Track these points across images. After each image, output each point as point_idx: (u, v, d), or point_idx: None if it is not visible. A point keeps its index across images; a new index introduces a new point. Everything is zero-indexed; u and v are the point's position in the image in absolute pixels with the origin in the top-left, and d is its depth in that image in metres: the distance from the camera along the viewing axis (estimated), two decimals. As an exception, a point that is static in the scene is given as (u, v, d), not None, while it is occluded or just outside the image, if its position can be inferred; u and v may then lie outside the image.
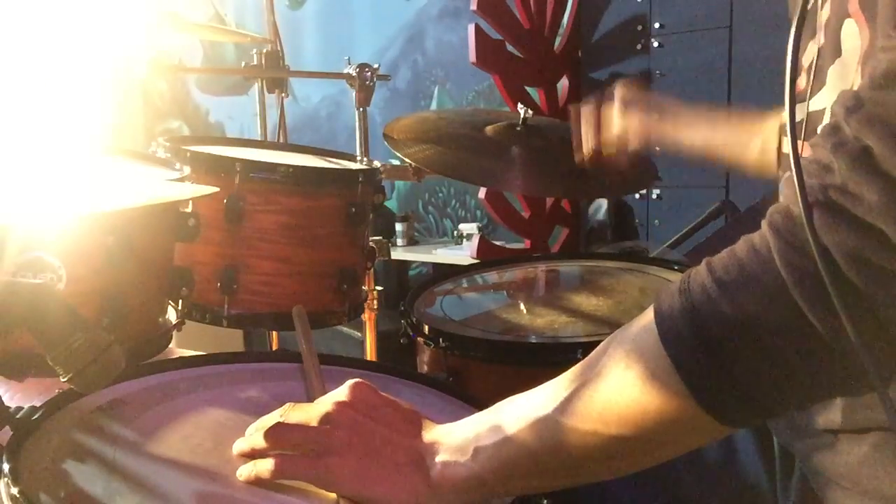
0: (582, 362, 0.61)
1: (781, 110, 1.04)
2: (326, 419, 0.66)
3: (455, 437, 0.64)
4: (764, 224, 0.53)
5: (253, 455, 0.66)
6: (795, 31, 0.56)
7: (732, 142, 1.12)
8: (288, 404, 0.70)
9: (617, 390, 0.57)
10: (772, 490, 0.84)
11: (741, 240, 0.55)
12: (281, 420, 0.68)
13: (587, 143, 1.19)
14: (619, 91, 1.19)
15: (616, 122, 1.17)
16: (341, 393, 0.69)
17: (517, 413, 0.62)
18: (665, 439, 0.57)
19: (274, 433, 0.66)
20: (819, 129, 0.55)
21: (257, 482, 0.65)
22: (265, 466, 0.64)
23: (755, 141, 1.09)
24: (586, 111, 1.19)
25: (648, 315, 0.56)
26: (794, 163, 0.51)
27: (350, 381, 0.70)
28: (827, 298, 0.48)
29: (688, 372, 0.53)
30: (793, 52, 0.56)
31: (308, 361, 0.90)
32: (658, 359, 0.54)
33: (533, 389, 0.64)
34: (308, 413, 0.67)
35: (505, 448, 0.61)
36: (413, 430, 0.67)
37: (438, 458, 0.63)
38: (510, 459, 0.61)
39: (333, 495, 0.64)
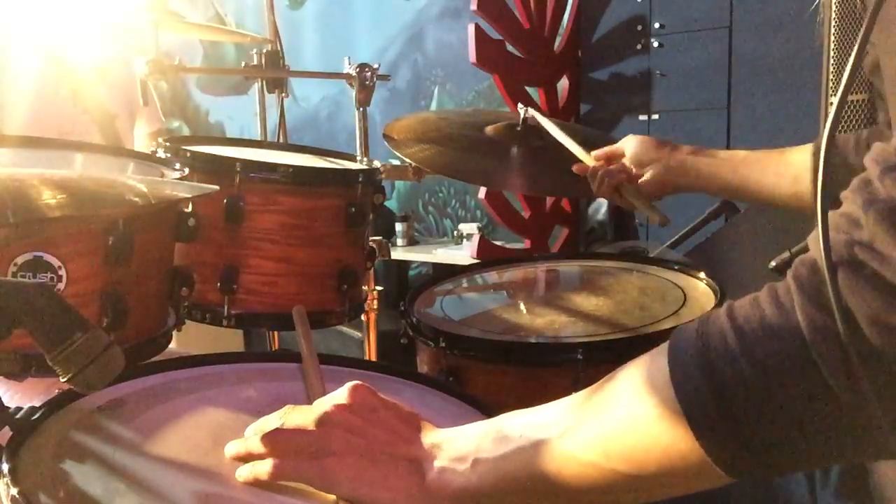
0: (592, 388, 0.60)
1: (801, 143, 1.07)
2: (325, 421, 0.66)
3: (455, 445, 0.64)
4: (789, 275, 0.52)
5: (249, 459, 0.66)
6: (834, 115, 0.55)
7: (757, 180, 1.10)
8: (287, 406, 0.70)
9: (623, 426, 0.55)
10: (809, 479, 0.83)
11: (766, 288, 0.53)
12: (280, 423, 0.68)
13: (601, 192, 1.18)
14: (630, 149, 1.16)
15: (629, 185, 1.15)
16: (340, 395, 0.69)
17: (521, 430, 0.61)
18: (668, 481, 0.56)
19: (272, 438, 0.66)
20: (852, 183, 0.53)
21: (256, 483, 0.65)
22: (264, 468, 0.64)
23: (786, 174, 1.08)
24: (601, 173, 1.16)
25: (662, 352, 0.55)
26: (821, 219, 0.49)
27: (349, 384, 0.70)
28: (847, 360, 0.46)
29: (696, 421, 0.51)
30: (830, 130, 0.55)
31: (308, 361, 0.90)
32: (667, 402, 0.53)
33: (539, 407, 0.63)
34: (306, 416, 0.67)
35: (504, 464, 0.60)
36: (412, 434, 0.67)
37: (437, 464, 0.63)
38: (508, 475, 0.60)
39: (332, 497, 0.64)
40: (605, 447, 0.56)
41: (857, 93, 1.66)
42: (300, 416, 0.67)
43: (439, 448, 0.64)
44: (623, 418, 0.56)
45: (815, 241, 0.50)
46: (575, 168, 1.21)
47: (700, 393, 0.51)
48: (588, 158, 1.18)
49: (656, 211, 1.05)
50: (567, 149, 1.21)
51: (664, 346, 0.55)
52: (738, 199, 1.13)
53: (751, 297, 0.53)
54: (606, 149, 1.17)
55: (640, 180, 1.15)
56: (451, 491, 0.62)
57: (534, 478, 0.59)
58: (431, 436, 0.66)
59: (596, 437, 0.57)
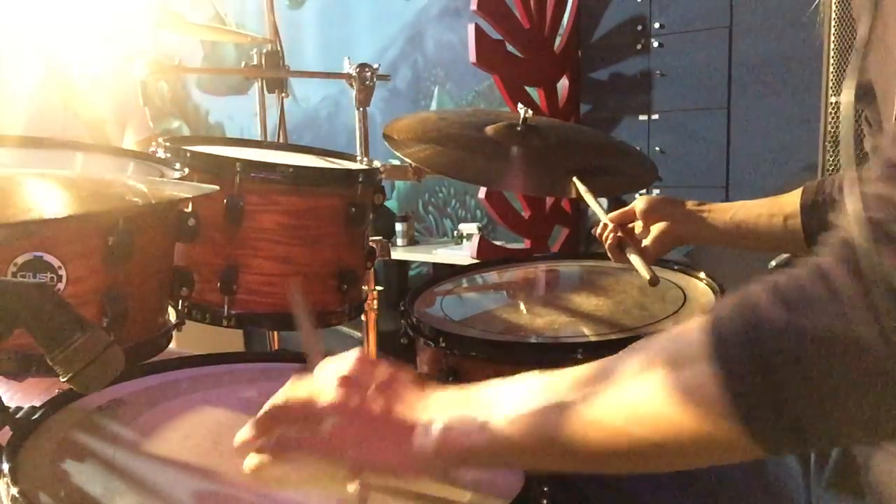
0: (612, 359, 0.60)
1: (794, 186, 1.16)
2: (327, 391, 0.65)
3: (464, 406, 0.64)
4: (828, 249, 0.52)
5: (255, 444, 0.66)
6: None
7: (753, 224, 1.18)
8: (291, 380, 0.69)
9: (655, 396, 0.55)
10: (803, 466, 0.82)
11: (805, 263, 0.53)
12: (284, 400, 0.67)
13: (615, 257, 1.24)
14: (641, 206, 1.23)
15: (639, 239, 1.22)
16: (342, 367, 0.68)
17: (537, 394, 0.61)
18: (696, 451, 0.56)
19: (273, 413, 0.65)
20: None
21: (263, 470, 0.64)
22: (267, 446, 0.64)
23: (779, 214, 1.16)
24: (612, 233, 1.23)
25: (697, 327, 0.55)
26: (856, 191, 0.50)
27: (350, 353, 0.69)
28: (890, 331, 0.47)
29: (737, 395, 0.51)
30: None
31: (308, 336, 0.89)
32: (705, 375, 0.52)
33: (551, 373, 0.62)
34: (308, 388, 0.67)
35: (519, 426, 0.60)
36: (416, 397, 0.66)
37: (443, 426, 0.63)
38: (524, 438, 0.60)
39: (348, 489, 0.64)
40: (636, 415, 0.56)
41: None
42: (302, 389, 0.67)
43: (446, 409, 0.64)
44: (656, 389, 0.55)
45: (853, 219, 0.51)
46: (593, 230, 1.29)
47: (744, 366, 0.51)
48: (604, 217, 1.24)
49: (650, 270, 1.11)
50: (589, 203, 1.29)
51: (698, 321, 0.55)
52: (738, 247, 1.21)
53: (789, 272, 0.53)
54: (620, 210, 1.25)
55: (649, 234, 1.22)
56: (457, 452, 0.62)
57: (551, 441, 0.59)
58: (437, 397, 0.66)
59: (626, 404, 0.56)
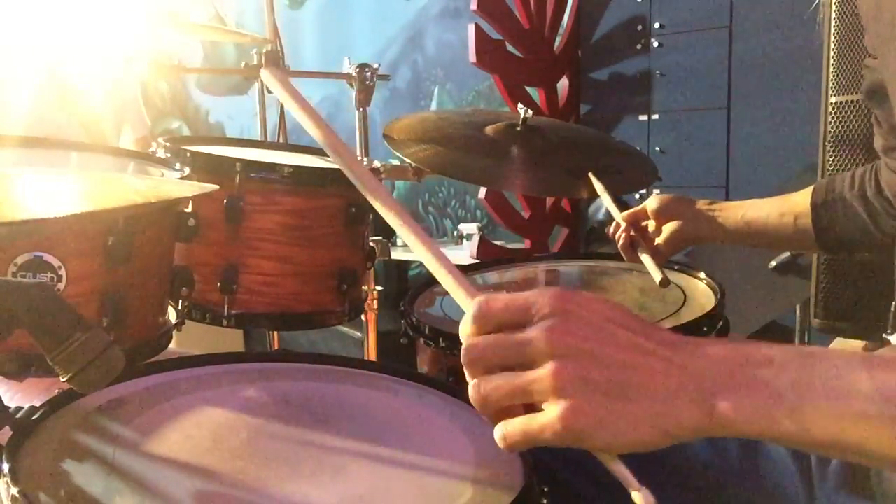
0: None
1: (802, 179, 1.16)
2: (538, 355, 0.52)
3: (772, 380, 0.52)
4: None
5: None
6: None
7: (763, 223, 1.18)
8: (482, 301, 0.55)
9: None
10: (803, 473, 0.82)
11: None
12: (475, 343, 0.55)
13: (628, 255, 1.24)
14: (653, 205, 1.23)
15: (644, 245, 1.21)
16: (541, 307, 0.53)
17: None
18: None
19: (477, 390, 0.54)
20: None
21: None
22: (500, 439, 0.54)
23: (789, 213, 1.17)
24: (625, 233, 1.23)
25: None
26: None
27: (548, 292, 0.55)
28: None
29: None
30: None
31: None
32: None
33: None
34: (513, 344, 0.53)
35: (860, 426, 0.50)
36: (666, 350, 0.54)
37: (734, 395, 0.52)
38: (863, 435, 0.50)
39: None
40: None
41: (856, 93, 1.66)
42: (498, 350, 0.54)
43: (733, 373, 0.53)
44: None
45: None
46: (607, 230, 1.30)
47: None
48: (618, 216, 1.24)
49: (662, 272, 1.12)
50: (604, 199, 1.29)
51: None
52: (748, 245, 1.22)
53: None
54: (633, 209, 1.25)
55: (661, 234, 1.23)
56: (744, 430, 0.52)
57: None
58: (715, 351, 0.54)
59: None
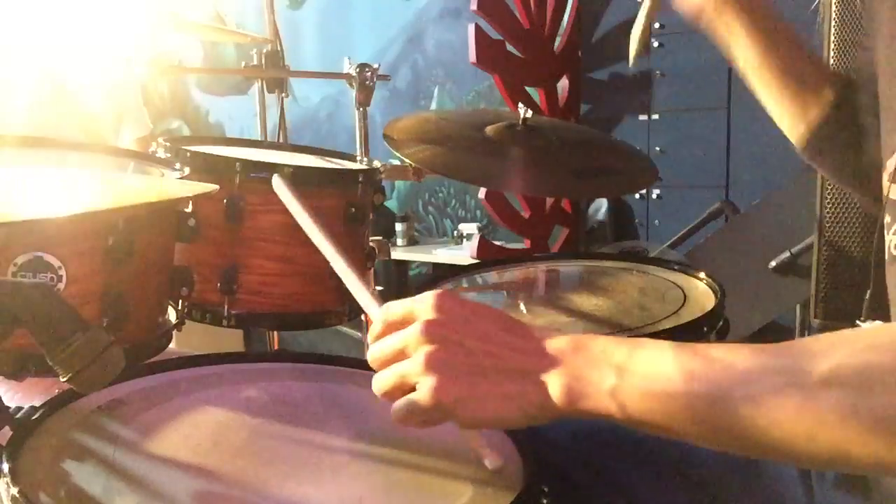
0: (788, 347, 0.56)
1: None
2: (416, 342, 0.63)
3: (600, 359, 0.61)
4: None
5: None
6: None
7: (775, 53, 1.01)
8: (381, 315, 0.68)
9: (838, 412, 0.51)
10: (802, 472, 0.82)
11: None
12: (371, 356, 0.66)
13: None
14: None
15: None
16: (424, 309, 0.65)
17: (712, 367, 0.56)
18: (870, 467, 0.52)
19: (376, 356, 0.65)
20: None
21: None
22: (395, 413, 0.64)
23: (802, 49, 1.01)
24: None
25: (887, 340, 0.52)
26: None
27: (429, 294, 0.66)
28: None
29: None
30: None
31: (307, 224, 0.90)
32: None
33: (723, 347, 0.58)
34: (398, 340, 0.64)
35: (690, 400, 0.56)
36: (523, 342, 0.64)
37: (567, 378, 0.60)
38: (688, 411, 0.56)
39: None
40: (816, 429, 0.52)
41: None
42: (385, 347, 0.65)
43: (571, 358, 0.61)
44: (843, 407, 0.51)
45: None
46: None
47: None
48: None
49: (642, 46, 0.99)
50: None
51: (891, 335, 0.53)
52: (750, 73, 1.02)
53: None
54: None
55: None
56: (582, 410, 0.60)
57: (734, 425, 0.54)
58: (559, 343, 0.63)
59: (809, 415, 0.52)
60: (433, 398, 0.61)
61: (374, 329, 0.68)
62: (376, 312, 0.71)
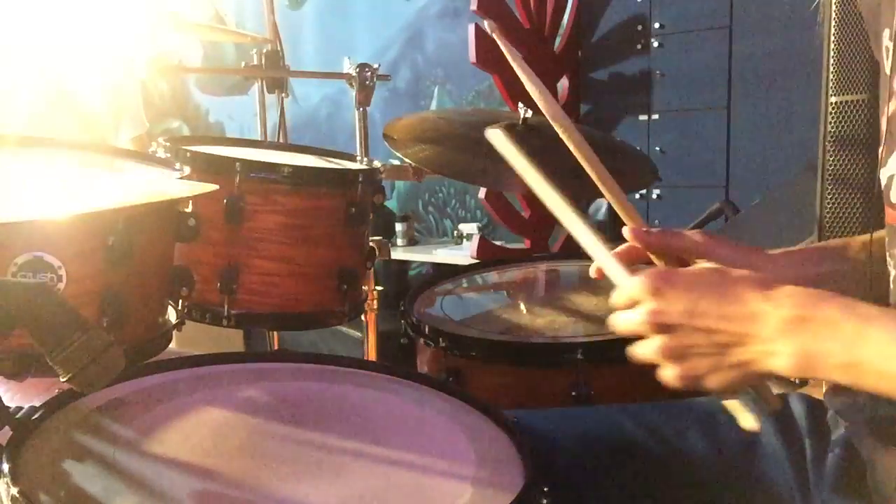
0: None
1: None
2: (651, 329, 0.70)
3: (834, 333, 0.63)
4: None
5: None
6: None
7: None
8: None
9: None
10: (798, 472, 0.82)
11: None
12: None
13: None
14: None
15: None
16: (645, 295, 0.72)
17: None
18: None
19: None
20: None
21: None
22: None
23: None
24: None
25: None
26: None
27: (650, 277, 0.73)
28: None
29: None
30: None
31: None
32: None
33: None
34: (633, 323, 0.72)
35: None
36: (742, 307, 0.67)
37: (807, 352, 0.63)
38: None
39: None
40: None
41: (856, 93, 1.66)
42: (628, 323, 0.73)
43: (798, 330, 0.64)
44: None
45: None
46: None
47: None
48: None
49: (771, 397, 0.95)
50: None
51: None
52: None
53: None
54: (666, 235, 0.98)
55: None
56: (810, 378, 0.66)
57: None
58: (782, 311, 0.65)
59: None
60: (678, 382, 0.69)
61: (618, 298, 0.77)
62: (621, 281, 0.79)
